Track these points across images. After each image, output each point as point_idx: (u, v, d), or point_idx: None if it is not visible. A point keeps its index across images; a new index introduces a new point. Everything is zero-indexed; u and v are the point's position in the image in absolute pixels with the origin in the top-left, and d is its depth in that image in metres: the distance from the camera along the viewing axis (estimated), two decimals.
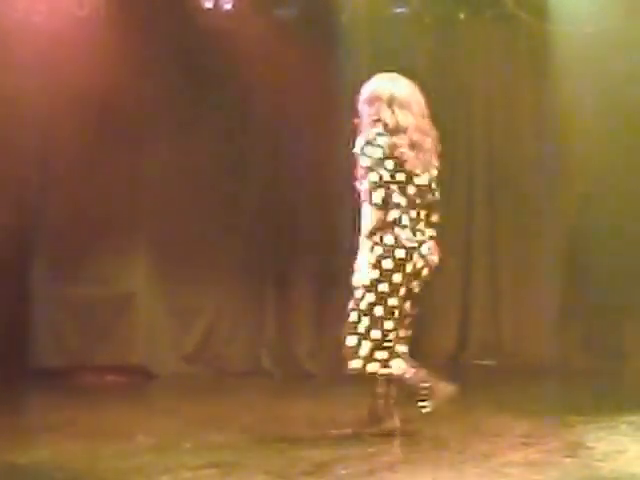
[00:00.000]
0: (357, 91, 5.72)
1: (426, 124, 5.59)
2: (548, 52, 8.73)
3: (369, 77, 5.74)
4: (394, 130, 5.45)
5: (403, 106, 5.51)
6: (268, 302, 8.76)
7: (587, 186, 8.75)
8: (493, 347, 8.94)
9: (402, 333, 5.53)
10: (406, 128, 5.46)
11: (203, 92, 8.50)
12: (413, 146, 5.45)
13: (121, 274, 8.53)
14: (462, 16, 8.97)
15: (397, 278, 5.36)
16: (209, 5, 8.51)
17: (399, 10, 8.91)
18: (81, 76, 8.09)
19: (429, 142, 5.55)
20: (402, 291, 5.39)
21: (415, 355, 5.67)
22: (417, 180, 5.48)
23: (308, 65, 8.44)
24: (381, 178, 5.37)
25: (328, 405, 6.64)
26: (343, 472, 4.60)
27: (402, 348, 5.52)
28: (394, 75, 5.65)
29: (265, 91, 8.58)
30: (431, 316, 8.71)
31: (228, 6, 8.51)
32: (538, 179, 8.98)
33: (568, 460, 4.70)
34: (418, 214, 5.49)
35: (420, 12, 8.86)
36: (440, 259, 5.60)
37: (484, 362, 8.89)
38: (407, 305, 5.53)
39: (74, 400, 7.20)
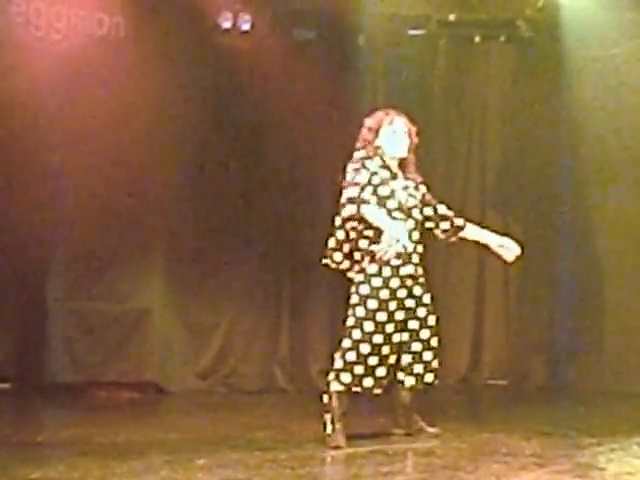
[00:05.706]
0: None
1: None
2: (561, 74, 8.77)
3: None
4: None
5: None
6: (282, 319, 8.80)
7: (604, 204, 8.77)
8: (504, 367, 8.95)
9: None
10: None
11: (221, 111, 8.56)
12: None
13: (136, 290, 8.56)
14: (477, 39, 9.04)
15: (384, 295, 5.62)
16: (227, 25, 8.57)
17: (415, 32, 8.99)
18: (100, 94, 8.17)
19: None
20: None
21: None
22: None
23: (325, 85, 8.50)
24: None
25: None
26: None
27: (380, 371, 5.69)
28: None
29: (282, 111, 8.63)
30: (443, 336, 8.73)
31: (246, 27, 8.58)
32: (552, 198, 9.00)
33: None
34: None
35: (436, 35, 8.94)
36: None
37: (496, 382, 8.90)
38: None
39: (88, 416, 7.22)
